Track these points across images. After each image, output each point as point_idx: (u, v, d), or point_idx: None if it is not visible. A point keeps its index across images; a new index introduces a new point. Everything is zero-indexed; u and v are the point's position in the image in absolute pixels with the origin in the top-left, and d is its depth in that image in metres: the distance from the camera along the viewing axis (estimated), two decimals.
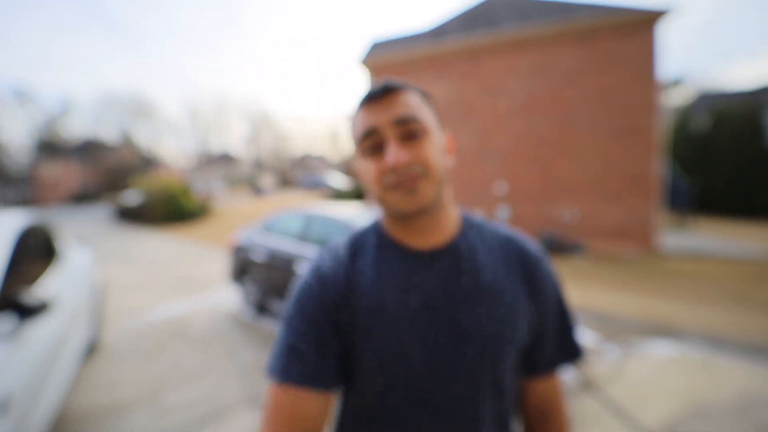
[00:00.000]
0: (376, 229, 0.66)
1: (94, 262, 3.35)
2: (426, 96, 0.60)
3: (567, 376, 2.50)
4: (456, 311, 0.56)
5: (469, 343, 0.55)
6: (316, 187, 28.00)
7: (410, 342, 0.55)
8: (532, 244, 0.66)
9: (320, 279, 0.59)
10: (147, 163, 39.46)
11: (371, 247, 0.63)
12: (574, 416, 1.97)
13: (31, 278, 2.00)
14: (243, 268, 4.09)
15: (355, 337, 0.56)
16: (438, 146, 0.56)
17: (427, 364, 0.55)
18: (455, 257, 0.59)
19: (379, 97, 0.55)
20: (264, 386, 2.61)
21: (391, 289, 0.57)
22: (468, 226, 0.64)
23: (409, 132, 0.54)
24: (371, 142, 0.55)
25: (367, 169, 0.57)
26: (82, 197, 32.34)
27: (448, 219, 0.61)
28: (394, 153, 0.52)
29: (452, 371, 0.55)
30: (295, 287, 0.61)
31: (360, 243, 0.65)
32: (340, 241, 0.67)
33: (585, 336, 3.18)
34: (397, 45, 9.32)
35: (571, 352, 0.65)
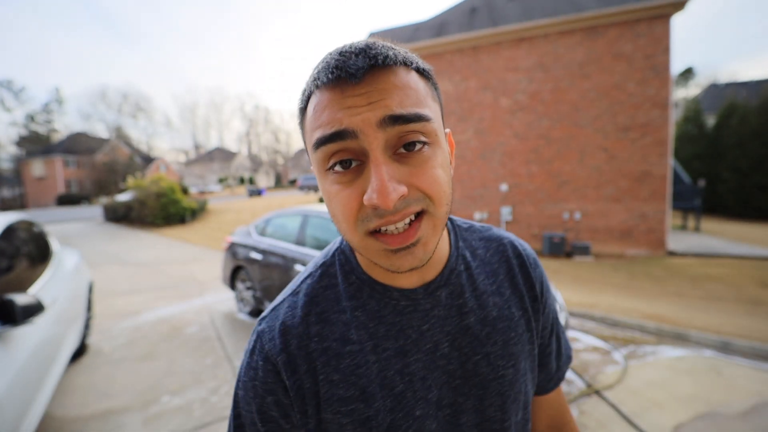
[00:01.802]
0: (343, 264, 0.47)
1: (82, 263, 3.30)
2: (428, 73, 0.39)
3: (570, 380, 2.44)
4: (467, 361, 0.45)
5: (489, 393, 0.45)
6: (317, 188, 27.00)
7: (426, 418, 0.43)
8: (525, 244, 0.56)
9: (269, 364, 0.42)
10: (142, 158, 39.55)
11: (342, 298, 0.45)
12: (579, 423, 1.90)
13: (15, 280, 1.96)
14: (238, 269, 4.03)
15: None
16: (445, 158, 0.38)
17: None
18: (453, 289, 0.46)
19: (358, 77, 0.33)
20: None
21: (386, 359, 0.43)
22: (456, 238, 0.50)
23: (408, 140, 0.34)
24: (338, 152, 0.34)
25: (331, 194, 0.36)
26: (76, 198, 31.85)
27: (442, 240, 0.47)
28: (383, 181, 0.32)
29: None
30: (240, 368, 0.45)
31: (324, 294, 0.45)
32: (290, 294, 0.47)
33: (592, 340, 3.10)
34: (395, 36, 9.16)
35: (568, 355, 0.59)
